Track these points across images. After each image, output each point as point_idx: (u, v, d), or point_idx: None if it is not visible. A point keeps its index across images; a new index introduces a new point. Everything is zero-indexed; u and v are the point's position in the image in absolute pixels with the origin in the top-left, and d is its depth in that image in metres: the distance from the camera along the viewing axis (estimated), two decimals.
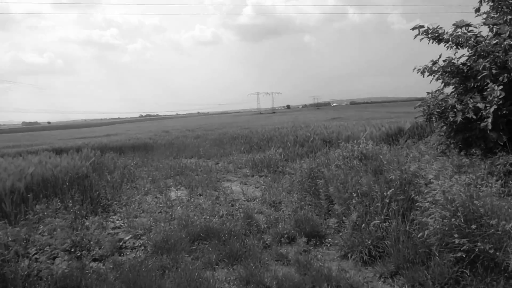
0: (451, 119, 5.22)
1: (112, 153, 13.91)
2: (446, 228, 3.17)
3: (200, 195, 7.26)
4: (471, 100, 4.97)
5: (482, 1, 5.56)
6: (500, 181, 3.69)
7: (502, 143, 4.84)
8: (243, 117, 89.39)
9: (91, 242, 4.68)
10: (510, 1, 5.13)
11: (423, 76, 6.02)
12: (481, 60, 4.89)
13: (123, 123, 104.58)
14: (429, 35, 5.64)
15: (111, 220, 5.93)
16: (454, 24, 5.37)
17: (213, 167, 10.31)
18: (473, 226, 3.02)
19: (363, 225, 3.90)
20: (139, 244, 4.74)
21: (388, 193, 3.85)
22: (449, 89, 6.15)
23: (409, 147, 5.91)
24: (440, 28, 5.56)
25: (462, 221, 3.11)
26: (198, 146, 15.60)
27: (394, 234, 3.63)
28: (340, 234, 4.20)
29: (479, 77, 4.93)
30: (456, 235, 3.06)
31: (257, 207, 5.93)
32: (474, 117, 4.95)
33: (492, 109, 4.63)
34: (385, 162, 4.60)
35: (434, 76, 5.92)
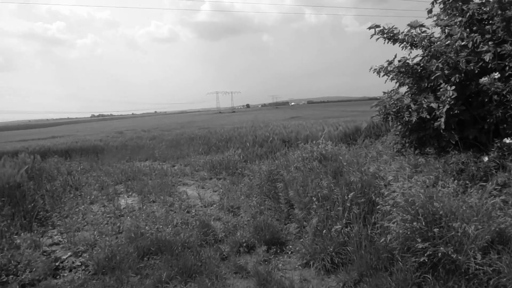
0: (406, 119, 5.26)
1: (57, 158, 12.74)
2: (408, 232, 3.07)
3: (153, 201, 6.74)
4: (425, 100, 5.03)
5: (434, 3, 5.69)
6: (455, 180, 3.70)
7: (454, 142, 4.96)
8: (202, 116, 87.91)
9: (21, 264, 4.04)
10: (459, 5, 5.28)
11: (379, 76, 6.04)
12: (434, 60, 4.97)
13: (72, 123, 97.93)
14: (385, 35, 5.66)
15: (48, 235, 5.25)
16: (408, 24, 5.42)
17: (169, 170, 9.75)
18: (435, 230, 2.95)
19: (324, 231, 3.72)
20: (79, 263, 4.17)
21: (349, 196, 3.71)
22: (404, 89, 6.26)
23: (367, 146, 5.92)
24: (395, 28, 5.60)
25: (423, 224, 3.03)
26: (153, 148, 14.81)
27: (356, 239, 3.48)
28: (301, 240, 3.99)
29: (432, 77, 5.00)
30: (419, 240, 2.97)
31: (215, 213, 5.59)
32: (428, 116, 5.02)
33: (445, 109, 4.70)
34: (344, 163, 4.49)
35: (389, 76, 5.96)
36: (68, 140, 19.74)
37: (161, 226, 4.97)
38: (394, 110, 5.55)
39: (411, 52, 5.57)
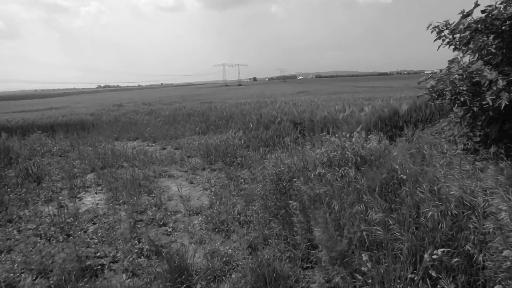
0: (490, 102, 3.39)
1: (39, 134, 11.14)
2: None
3: (124, 203, 5.10)
4: None
5: None
6: None
7: None
8: (207, 89, 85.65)
9: None
10: None
11: (440, 38, 4.12)
12: None
13: (76, 94, 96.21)
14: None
15: None
16: None
17: (157, 155, 8.06)
18: None
19: None
20: None
21: (430, 254, 1.95)
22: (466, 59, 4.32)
23: (419, 140, 4.13)
24: None
25: None
26: (147, 124, 13.10)
27: None
28: None
29: None
30: None
31: (198, 235, 3.88)
32: None
33: None
34: (403, 177, 2.70)
35: (455, 38, 4.04)
36: (59, 113, 18.10)
37: (111, 264, 3.31)
38: (465, 88, 3.66)
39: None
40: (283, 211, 3.28)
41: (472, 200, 2.29)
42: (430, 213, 2.20)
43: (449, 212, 2.24)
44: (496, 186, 2.59)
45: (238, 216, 4.13)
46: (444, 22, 4.11)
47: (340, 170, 3.11)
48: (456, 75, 3.58)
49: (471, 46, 4.06)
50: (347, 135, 3.82)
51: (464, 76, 3.58)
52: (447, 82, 3.69)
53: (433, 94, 4.74)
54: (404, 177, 2.66)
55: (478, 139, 3.89)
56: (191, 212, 4.62)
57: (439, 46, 4.69)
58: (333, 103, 9.64)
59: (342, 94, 25.39)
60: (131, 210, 4.66)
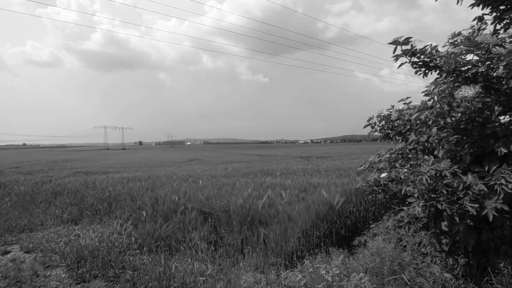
0: (474, 212, 2.76)
1: None
2: None
3: None
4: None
5: None
6: None
7: None
8: (84, 153, 76.08)
9: None
10: None
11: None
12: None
13: None
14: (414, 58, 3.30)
15: None
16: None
17: None
18: None
19: None
20: None
21: None
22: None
23: (381, 253, 3.16)
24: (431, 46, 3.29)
25: None
26: None
27: None
28: None
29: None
30: None
31: None
32: None
33: None
34: None
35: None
36: None
37: None
38: (441, 194, 2.98)
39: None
40: None
41: None
42: None
43: None
44: None
45: None
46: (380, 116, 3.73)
47: None
48: (426, 176, 2.92)
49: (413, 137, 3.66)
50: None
51: (435, 178, 2.95)
52: (417, 184, 2.99)
53: (375, 188, 4.15)
54: None
55: (446, 248, 3.24)
56: None
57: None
58: (241, 183, 8.58)
59: (237, 164, 25.25)
60: None
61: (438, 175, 2.93)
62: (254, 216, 5.43)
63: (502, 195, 2.73)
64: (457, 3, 3.78)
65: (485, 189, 2.75)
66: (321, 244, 4.92)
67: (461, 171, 2.96)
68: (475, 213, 2.73)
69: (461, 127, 3.11)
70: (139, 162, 34.97)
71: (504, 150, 2.83)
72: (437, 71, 3.51)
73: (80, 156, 57.45)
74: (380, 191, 4.04)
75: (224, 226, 5.54)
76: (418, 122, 3.44)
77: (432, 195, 2.94)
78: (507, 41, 3.09)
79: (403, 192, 3.19)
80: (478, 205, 2.75)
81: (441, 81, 3.60)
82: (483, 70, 3.05)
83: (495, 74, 2.98)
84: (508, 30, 3.50)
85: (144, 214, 6.58)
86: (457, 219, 2.82)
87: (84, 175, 16.12)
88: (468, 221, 2.88)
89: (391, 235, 3.79)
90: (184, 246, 5.30)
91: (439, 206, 2.86)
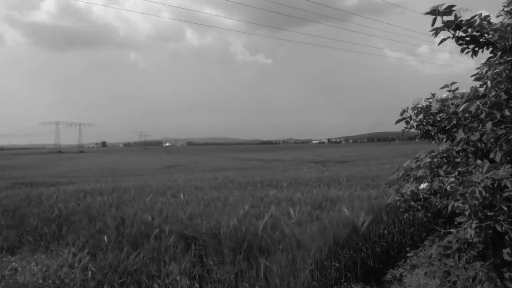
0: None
1: None
2: None
3: None
4: None
5: None
6: None
7: None
8: (27, 158, 76.06)
9: None
10: None
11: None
12: None
13: None
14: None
15: None
16: None
17: None
18: None
19: None
20: None
21: None
22: None
23: None
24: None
25: None
26: None
27: None
28: None
29: None
30: None
31: None
32: None
33: None
34: None
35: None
36: None
37: None
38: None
39: None
40: None
41: None
42: None
43: None
44: None
45: None
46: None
47: None
48: (479, 188, 2.89)
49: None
50: None
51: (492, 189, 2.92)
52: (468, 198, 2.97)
53: (413, 203, 4.14)
54: None
55: (511, 285, 3.22)
56: None
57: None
58: (235, 198, 8.57)
59: (230, 172, 25.33)
60: None
61: (495, 185, 2.91)
62: (252, 242, 5.44)
63: None
64: None
65: None
66: (342, 280, 4.87)
67: None
68: None
69: None
70: (102, 169, 35.11)
71: None
72: (490, 49, 3.51)
73: (22, 161, 57.60)
74: (419, 207, 4.01)
75: (212, 256, 5.55)
76: (467, 115, 3.43)
77: (489, 213, 2.91)
78: None
79: (449, 209, 3.18)
80: None
81: (496, 62, 3.59)
82: None
83: None
84: None
85: (106, 240, 6.55)
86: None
87: (26, 188, 16.18)
88: None
89: (436, 267, 3.81)
90: (159, 283, 5.26)
91: (499, 228, 2.84)
